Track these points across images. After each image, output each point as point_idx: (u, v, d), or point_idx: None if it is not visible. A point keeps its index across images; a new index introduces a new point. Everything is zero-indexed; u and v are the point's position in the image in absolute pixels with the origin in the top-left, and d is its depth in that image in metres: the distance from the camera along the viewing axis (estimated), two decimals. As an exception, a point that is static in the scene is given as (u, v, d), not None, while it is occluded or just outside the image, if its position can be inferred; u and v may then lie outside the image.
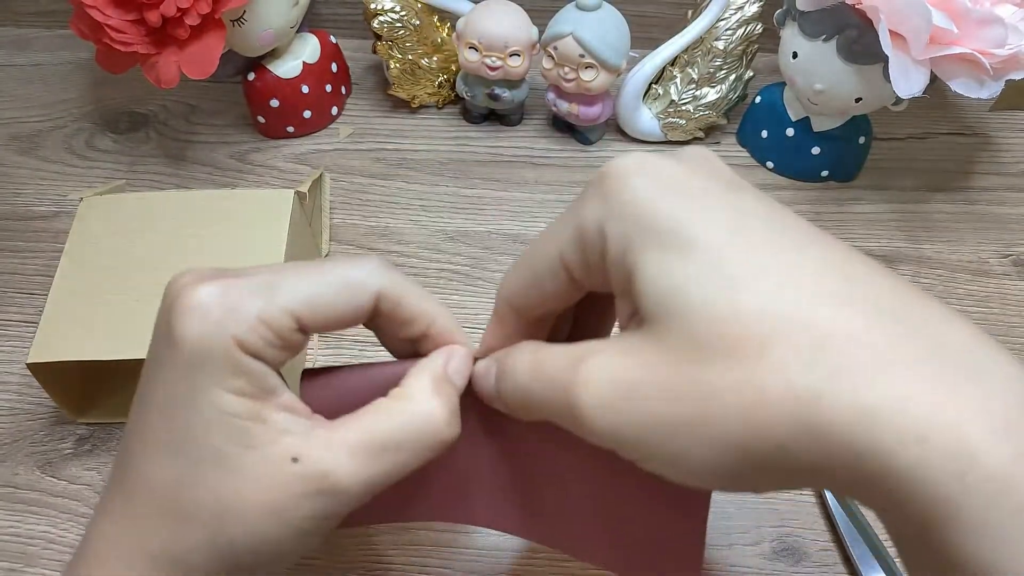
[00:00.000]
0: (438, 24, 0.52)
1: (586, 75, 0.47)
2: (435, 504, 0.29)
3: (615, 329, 0.26)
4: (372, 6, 0.48)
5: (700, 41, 0.49)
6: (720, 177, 0.22)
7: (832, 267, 0.19)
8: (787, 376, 0.18)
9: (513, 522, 0.29)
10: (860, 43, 0.41)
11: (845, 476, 0.18)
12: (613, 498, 0.27)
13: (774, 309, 0.18)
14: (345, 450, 0.23)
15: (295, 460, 0.23)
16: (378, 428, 0.24)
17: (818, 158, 0.49)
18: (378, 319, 0.26)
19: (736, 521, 0.37)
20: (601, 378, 0.21)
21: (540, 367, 0.23)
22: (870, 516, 0.36)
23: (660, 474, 0.20)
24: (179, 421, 0.24)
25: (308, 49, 0.51)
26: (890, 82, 0.39)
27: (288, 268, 0.25)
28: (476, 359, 0.26)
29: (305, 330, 0.24)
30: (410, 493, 0.28)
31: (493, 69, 0.48)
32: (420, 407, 0.24)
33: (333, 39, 0.53)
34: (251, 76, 0.50)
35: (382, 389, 0.25)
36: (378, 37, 0.50)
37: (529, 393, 0.23)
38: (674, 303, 0.20)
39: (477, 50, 0.47)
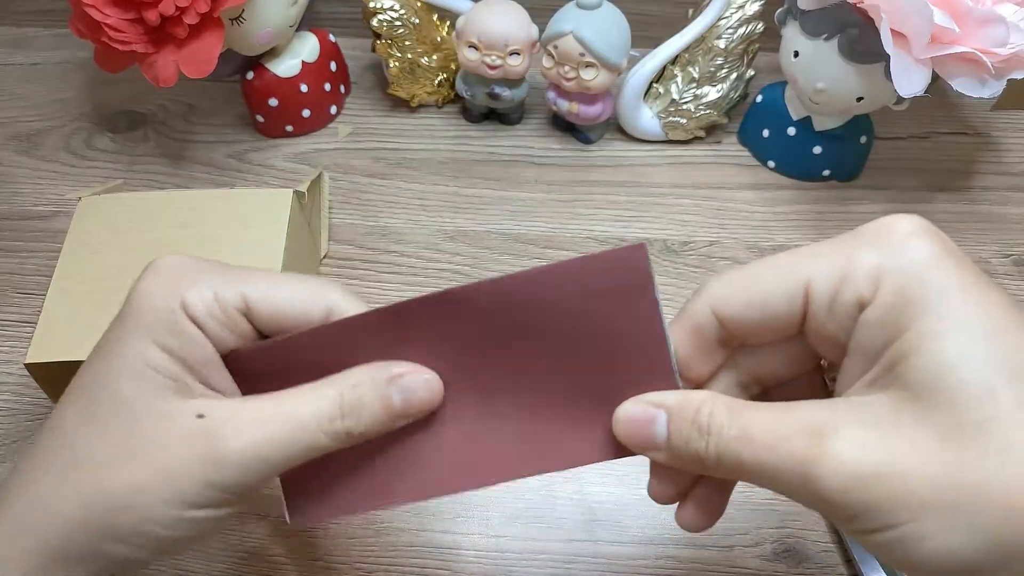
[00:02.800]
0: (438, 23, 0.52)
1: (586, 74, 0.47)
2: (383, 488, 0.28)
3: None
4: (371, 5, 0.48)
5: (701, 40, 0.49)
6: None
7: None
8: None
9: (471, 474, 0.28)
10: (862, 42, 0.41)
11: None
12: (541, 404, 0.26)
13: None
14: (245, 423, 0.23)
15: (200, 416, 0.23)
16: (275, 421, 0.24)
17: (819, 157, 0.49)
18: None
19: (737, 523, 0.37)
20: (852, 456, 0.20)
21: (755, 430, 0.21)
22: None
23: (887, 553, 0.20)
24: (99, 365, 0.24)
25: (307, 48, 0.51)
26: (892, 81, 0.39)
27: (259, 269, 0.26)
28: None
29: (252, 319, 0.25)
30: (352, 481, 0.27)
31: (493, 68, 0.48)
32: (305, 410, 0.24)
33: (332, 38, 0.53)
34: (250, 75, 0.50)
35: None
36: (377, 36, 0.50)
37: (736, 454, 0.21)
38: (954, 380, 0.19)
39: (477, 49, 0.47)
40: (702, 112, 0.50)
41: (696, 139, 0.52)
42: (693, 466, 0.23)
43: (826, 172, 0.50)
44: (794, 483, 0.20)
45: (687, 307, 0.24)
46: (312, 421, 0.24)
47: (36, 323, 0.36)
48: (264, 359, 0.26)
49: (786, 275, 0.22)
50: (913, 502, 0.19)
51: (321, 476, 0.27)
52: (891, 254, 0.21)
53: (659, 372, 0.24)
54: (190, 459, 0.23)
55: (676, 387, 0.24)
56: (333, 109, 0.53)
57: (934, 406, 0.19)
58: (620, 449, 0.25)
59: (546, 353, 0.25)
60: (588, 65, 0.46)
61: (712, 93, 0.50)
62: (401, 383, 0.25)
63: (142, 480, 0.23)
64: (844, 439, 0.20)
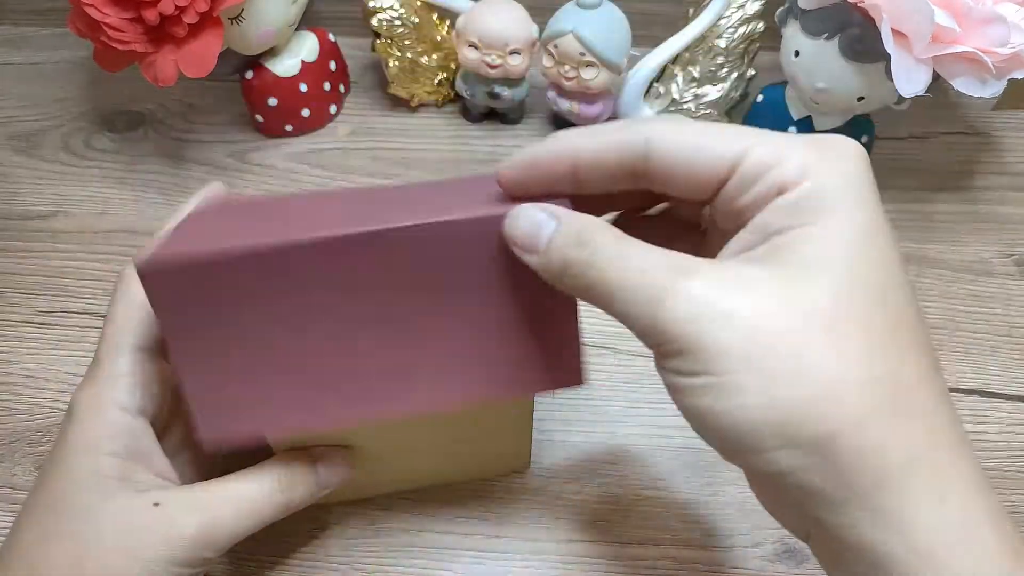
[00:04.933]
0: (437, 22, 0.52)
1: (587, 73, 0.47)
2: (299, 408, 0.28)
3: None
4: (371, 4, 0.48)
5: (702, 39, 0.49)
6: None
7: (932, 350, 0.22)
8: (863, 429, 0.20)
9: (385, 400, 0.28)
10: (862, 42, 0.41)
11: (855, 505, 0.20)
12: (485, 330, 0.27)
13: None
14: (197, 508, 0.28)
15: (156, 505, 0.28)
16: (223, 504, 0.29)
17: (820, 157, 0.49)
18: None
19: (737, 523, 0.37)
20: (704, 295, 0.21)
21: (632, 254, 0.22)
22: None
23: (691, 401, 0.21)
24: (55, 483, 0.28)
25: (307, 47, 0.51)
26: (892, 81, 0.39)
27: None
28: (502, 174, 0.25)
29: None
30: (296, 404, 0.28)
31: (493, 67, 0.48)
32: (247, 492, 0.30)
33: (332, 37, 0.53)
34: (249, 75, 0.49)
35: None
36: (377, 35, 0.50)
37: (601, 270, 0.22)
38: (822, 274, 0.21)
39: (477, 48, 0.47)
40: (703, 112, 0.50)
41: (696, 139, 0.52)
42: (558, 274, 0.23)
43: (826, 172, 0.50)
44: (642, 309, 0.21)
45: (621, 126, 0.24)
46: (256, 503, 0.29)
47: (36, 323, 0.36)
48: (180, 274, 0.26)
49: (729, 142, 0.23)
50: (739, 355, 0.20)
51: (235, 397, 0.27)
52: (825, 159, 0.22)
53: (561, 315, 0.26)
54: (154, 542, 0.27)
55: (575, 325, 0.26)
56: (333, 108, 0.53)
57: (795, 285, 0.21)
58: (530, 386, 0.28)
59: (462, 292, 0.26)
60: (588, 64, 0.46)
61: (713, 93, 0.50)
62: (324, 464, 0.31)
63: (114, 567, 0.27)
64: (703, 279, 0.21)
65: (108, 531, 0.27)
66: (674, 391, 0.22)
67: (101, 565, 0.27)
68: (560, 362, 0.28)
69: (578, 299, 0.25)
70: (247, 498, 0.29)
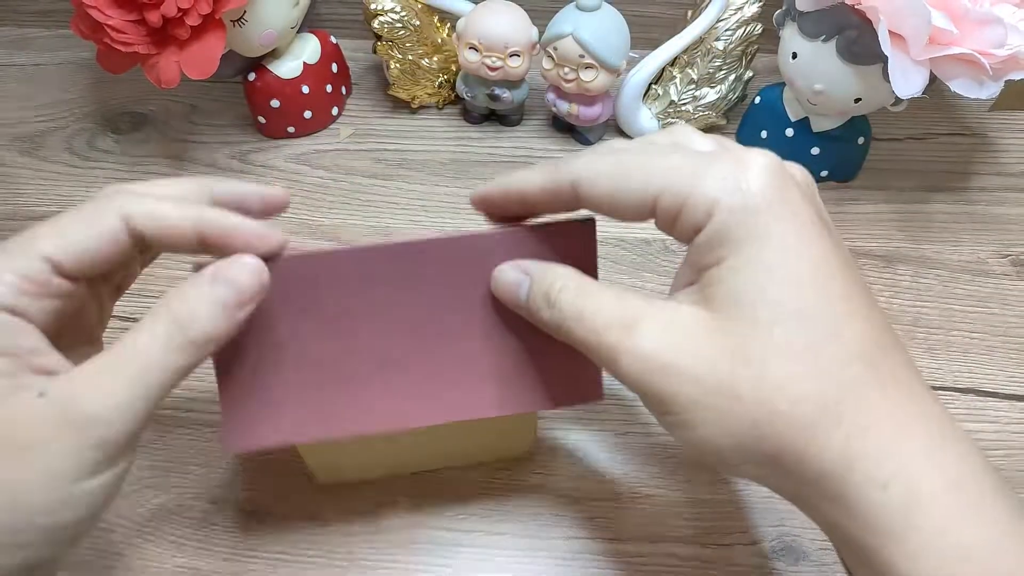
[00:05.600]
0: (438, 24, 0.52)
1: (586, 75, 0.47)
2: (320, 420, 0.29)
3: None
4: (372, 6, 0.48)
5: (700, 41, 0.49)
6: (821, 215, 0.25)
7: (865, 351, 0.23)
8: (812, 420, 0.22)
9: (420, 410, 0.29)
10: (860, 43, 0.41)
11: (816, 500, 0.23)
12: (509, 345, 0.29)
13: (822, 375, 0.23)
14: (90, 380, 0.23)
15: (41, 395, 0.22)
16: (118, 365, 0.23)
17: (817, 158, 0.49)
18: (164, 244, 0.25)
19: (735, 521, 0.37)
20: (647, 351, 0.23)
21: (587, 314, 0.25)
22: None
23: (669, 431, 0.24)
24: None
25: (308, 49, 0.51)
26: (889, 82, 0.39)
27: (58, 216, 0.25)
28: (474, 199, 0.29)
29: (67, 274, 0.24)
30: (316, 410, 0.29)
31: (493, 69, 0.48)
32: (142, 340, 0.24)
33: (333, 39, 0.53)
34: (251, 76, 0.50)
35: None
36: (378, 37, 0.50)
37: (569, 329, 0.25)
38: (735, 311, 0.23)
39: (477, 50, 0.48)
40: (701, 113, 0.51)
41: (695, 140, 0.52)
42: (542, 326, 0.27)
43: (824, 173, 0.50)
44: (606, 364, 0.25)
45: (554, 169, 0.26)
46: (153, 347, 0.23)
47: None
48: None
49: (645, 181, 0.24)
50: (685, 397, 0.23)
51: (260, 405, 0.28)
52: (729, 190, 0.23)
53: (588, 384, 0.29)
54: (49, 436, 0.22)
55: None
56: (334, 110, 0.54)
57: (719, 327, 0.23)
58: (551, 400, 0.29)
59: (491, 306, 0.28)
60: (588, 66, 0.46)
61: (711, 94, 0.50)
62: (224, 276, 0.25)
63: (12, 478, 0.22)
64: (645, 336, 0.24)
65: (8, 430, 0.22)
66: (658, 423, 0.25)
67: None
68: (580, 378, 0.29)
69: None
70: (143, 352, 0.24)
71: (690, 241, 0.24)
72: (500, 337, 0.28)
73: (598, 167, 0.25)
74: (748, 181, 0.23)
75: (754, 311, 0.23)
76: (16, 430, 0.22)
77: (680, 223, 0.24)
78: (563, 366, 0.29)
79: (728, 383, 0.23)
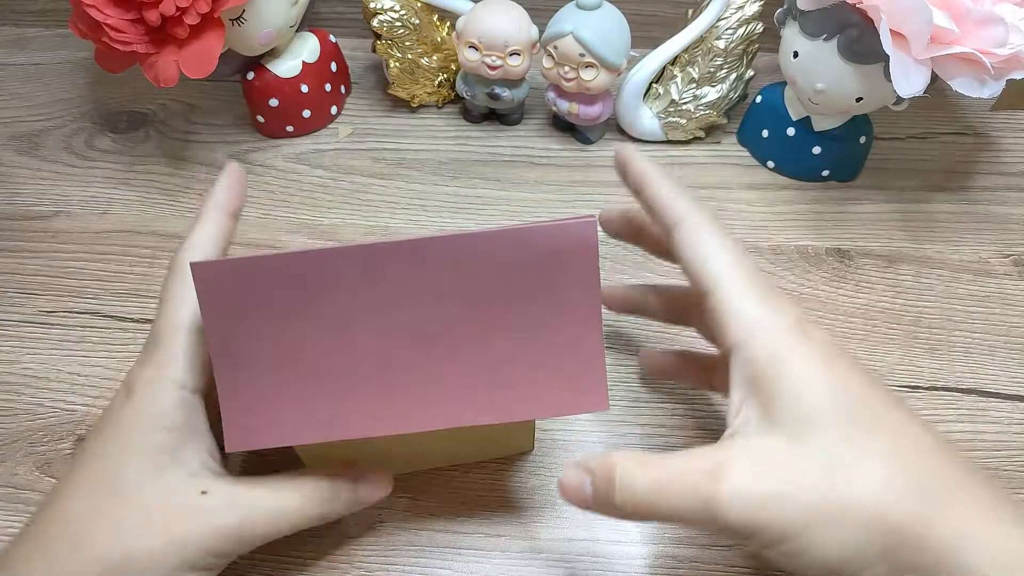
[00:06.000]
0: (438, 23, 0.52)
1: (586, 74, 0.47)
2: (323, 421, 0.29)
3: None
4: (371, 5, 0.48)
5: (701, 40, 0.49)
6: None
7: (937, 445, 0.26)
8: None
9: (419, 414, 0.29)
10: (861, 42, 0.41)
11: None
12: (512, 350, 0.28)
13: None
14: (241, 504, 0.29)
15: (204, 493, 0.28)
16: (264, 506, 0.30)
17: (819, 158, 0.49)
18: None
19: (736, 522, 0.37)
20: (744, 491, 0.25)
21: (667, 482, 0.26)
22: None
23: (781, 562, 0.25)
24: (106, 457, 0.28)
25: (307, 48, 0.51)
26: (891, 82, 0.39)
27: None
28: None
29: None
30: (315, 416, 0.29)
31: (493, 68, 0.48)
32: (291, 501, 0.30)
33: (332, 38, 0.53)
34: (250, 75, 0.50)
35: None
36: (377, 36, 0.50)
37: (655, 506, 0.26)
38: (809, 428, 0.25)
39: (477, 49, 0.47)
40: (701, 112, 0.50)
41: (695, 139, 0.52)
42: (617, 515, 0.26)
43: (825, 172, 0.50)
44: (703, 518, 0.25)
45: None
46: (296, 509, 0.30)
47: (37, 323, 0.36)
48: (229, 275, 0.27)
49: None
50: (794, 522, 0.24)
51: (260, 405, 0.28)
52: (765, 316, 0.27)
53: (587, 340, 0.28)
54: (195, 530, 0.28)
55: (601, 351, 0.28)
56: (333, 109, 0.54)
57: (800, 451, 0.25)
58: (555, 408, 0.29)
59: (492, 308, 0.28)
60: (588, 65, 0.46)
61: (711, 93, 0.50)
62: (365, 482, 0.32)
63: (156, 547, 0.27)
64: (737, 476, 0.25)
65: (154, 511, 0.27)
66: (765, 557, 0.26)
67: (143, 544, 0.27)
68: (584, 385, 0.28)
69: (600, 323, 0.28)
70: (288, 504, 0.30)
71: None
72: (502, 340, 0.28)
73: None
74: (788, 313, 0.27)
75: (817, 427, 0.25)
76: (175, 514, 0.28)
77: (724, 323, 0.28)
78: (567, 374, 0.28)
79: (828, 497, 0.24)
